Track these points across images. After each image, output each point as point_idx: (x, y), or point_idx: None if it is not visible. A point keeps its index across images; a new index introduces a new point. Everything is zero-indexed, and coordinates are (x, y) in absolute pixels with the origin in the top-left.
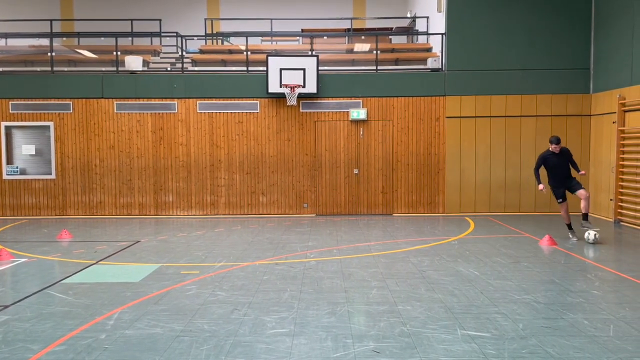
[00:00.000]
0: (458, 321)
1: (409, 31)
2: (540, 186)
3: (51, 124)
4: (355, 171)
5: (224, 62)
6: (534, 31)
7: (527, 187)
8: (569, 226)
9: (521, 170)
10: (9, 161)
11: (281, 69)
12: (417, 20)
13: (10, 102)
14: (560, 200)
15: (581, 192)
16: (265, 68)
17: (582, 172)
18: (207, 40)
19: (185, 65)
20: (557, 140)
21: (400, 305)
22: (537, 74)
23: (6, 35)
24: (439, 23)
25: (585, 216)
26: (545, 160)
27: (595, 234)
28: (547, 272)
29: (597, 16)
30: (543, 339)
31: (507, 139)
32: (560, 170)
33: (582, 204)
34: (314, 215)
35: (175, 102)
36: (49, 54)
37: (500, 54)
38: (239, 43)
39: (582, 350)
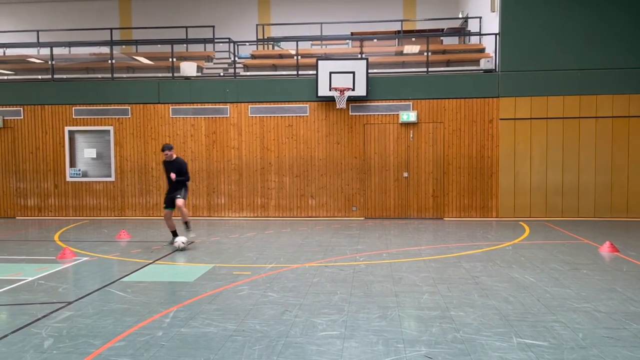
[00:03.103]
0: (513, 329)
1: (461, 32)
2: (173, 175)
3: (111, 128)
4: (405, 174)
5: (274, 67)
6: (593, 29)
7: (585, 192)
8: (174, 233)
9: (579, 174)
10: (72, 164)
11: (331, 73)
12: (469, 20)
13: (73, 108)
14: (165, 206)
15: (177, 201)
16: (315, 72)
17: (173, 175)
18: (259, 46)
19: (237, 70)
20: (164, 148)
21: (453, 311)
22: (596, 74)
23: (69, 44)
24: (492, 23)
25: (185, 225)
26: (163, 165)
27: (183, 243)
28: (608, 280)
29: None
30: (605, 349)
31: (565, 141)
32: (169, 179)
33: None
34: (362, 218)
35: (228, 106)
36: (109, 61)
37: (557, 54)
38: (289, 48)
39: None
